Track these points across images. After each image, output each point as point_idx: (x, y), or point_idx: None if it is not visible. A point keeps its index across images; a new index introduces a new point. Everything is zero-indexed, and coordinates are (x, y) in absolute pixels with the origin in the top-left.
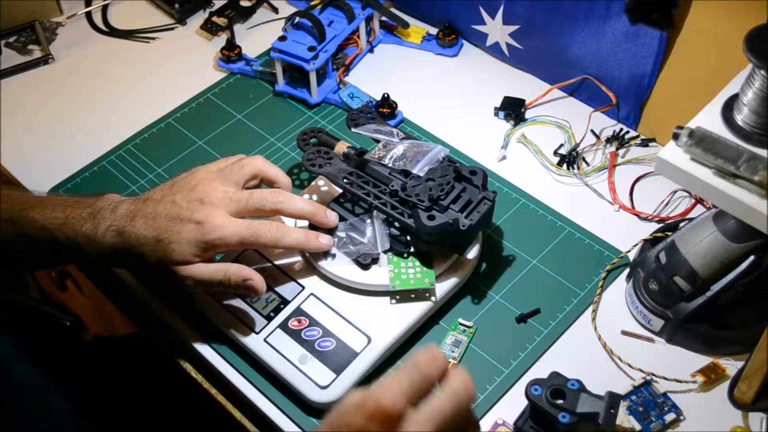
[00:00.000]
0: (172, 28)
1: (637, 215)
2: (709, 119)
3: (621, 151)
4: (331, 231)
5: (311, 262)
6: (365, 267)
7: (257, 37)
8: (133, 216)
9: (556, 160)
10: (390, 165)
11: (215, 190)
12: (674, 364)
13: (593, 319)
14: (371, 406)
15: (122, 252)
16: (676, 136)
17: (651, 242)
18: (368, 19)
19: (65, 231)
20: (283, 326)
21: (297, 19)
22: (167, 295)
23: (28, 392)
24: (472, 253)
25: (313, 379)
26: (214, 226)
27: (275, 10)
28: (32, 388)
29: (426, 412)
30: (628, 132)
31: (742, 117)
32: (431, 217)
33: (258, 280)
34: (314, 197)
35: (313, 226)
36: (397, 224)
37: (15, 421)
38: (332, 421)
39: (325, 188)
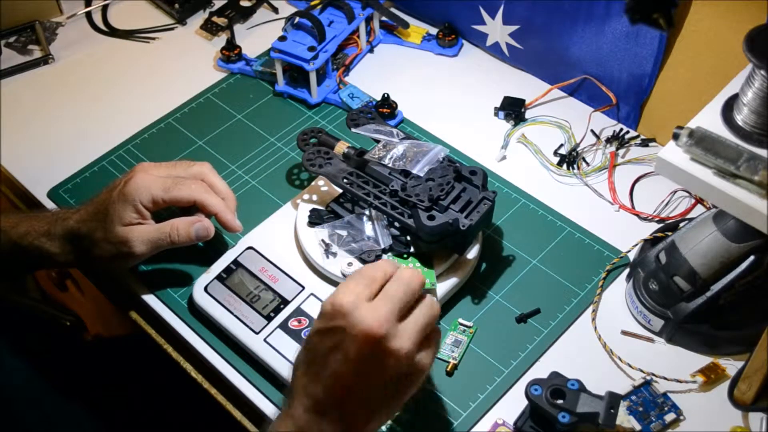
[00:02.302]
0: (172, 28)
1: (637, 215)
2: (709, 119)
3: (621, 151)
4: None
5: (311, 262)
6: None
7: (257, 37)
8: (78, 209)
9: (556, 160)
10: (390, 165)
11: (149, 165)
12: (674, 364)
13: (593, 319)
14: (361, 334)
15: (76, 238)
16: (676, 136)
17: (651, 242)
18: (368, 19)
19: (28, 238)
20: (283, 326)
21: (297, 19)
22: (167, 296)
23: (26, 393)
24: (472, 253)
25: None
26: (138, 178)
27: (275, 10)
28: (31, 389)
29: (411, 325)
30: (628, 132)
31: (742, 117)
32: (431, 217)
33: (205, 221)
34: (314, 197)
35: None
36: (397, 224)
37: (13, 422)
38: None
39: (325, 188)
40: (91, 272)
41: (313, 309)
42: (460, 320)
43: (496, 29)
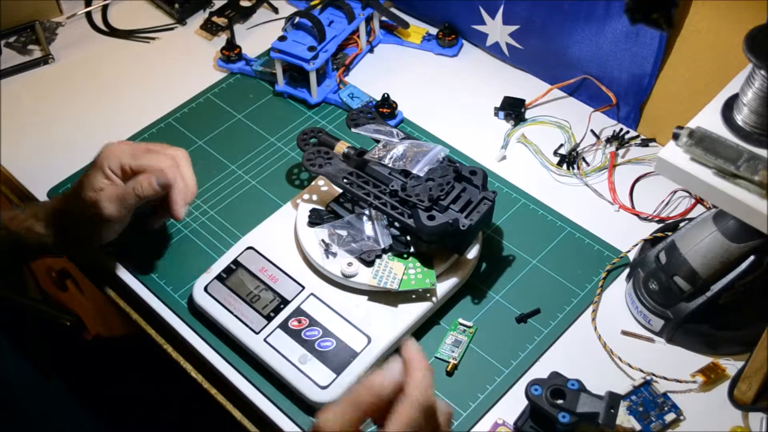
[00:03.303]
0: (172, 28)
1: (637, 215)
2: (709, 119)
3: (621, 151)
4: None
5: (311, 262)
6: (369, 264)
7: (257, 37)
8: (63, 193)
9: (556, 160)
10: (390, 165)
11: (126, 141)
12: (674, 364)
13: (593, 319)
14: None
15: (58, 215)
16: (676, 136)
17: (651, 242)
18: (368, 19)
19: (17, 221)
20: (283, 326)
21: (297, 19)
22: (167, 296)
23: (26, 392)
24: (472, 253)
25: (313, 379)
26: (108, 148)
27: (275, 10)
28: (31, 389)
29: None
30: (628, 132)
31: (742, 117)
32: (431, 217)
33: (164, 173)
34: (314, 197)
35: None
36: (397, 224)
37: (14, 422)
38: None
39: (325, 188)
40: (88, 266)
41: (313, 309)
42: (460, 320)
43: (496, 29)
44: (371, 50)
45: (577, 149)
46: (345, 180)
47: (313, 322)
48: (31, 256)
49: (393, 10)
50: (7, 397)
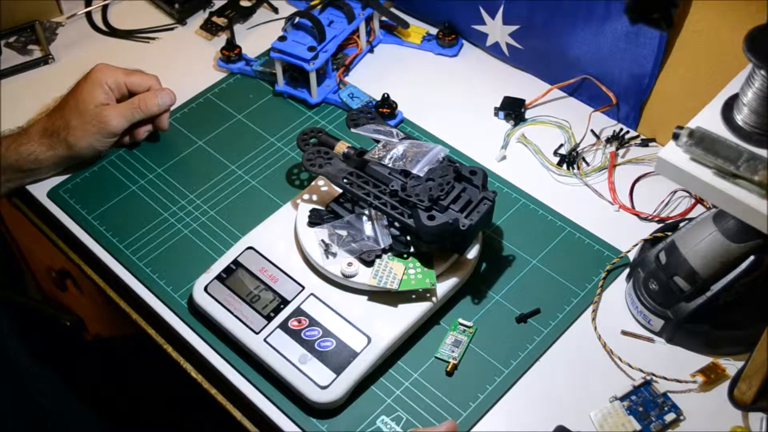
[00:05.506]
0: (172, 28)
1: (637, 215)
2: (709, 119)
3: (621, 151)
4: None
5: (311, 262)
6: (369, 264)
7: (257, 37)
8: (38, 118)
9: (556, 160)
10: (390, 165)
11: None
12: (674, 364)
13: (593, 319)
14: None
15: (51, 130)
16: (676, 136)
17: (651, 242)
18: (368, 19)
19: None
20: (283, 326)
21: (297, 19)
22: (167, 296)
23: (27, 392)
24: (472, 253)
25: (313, 379)
26: (100, 66)
27: (275, 10)
28: (31, 388)
29: None
30: (628, 132)
31: (742, 117)
32: (431, 217)
33: (166, 89)
34: (314, 197)
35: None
36: (397, 224)
37: (14, 422)
38: None
39: (325, 188)
40: (92, 262)
41: (313, 309)
42: (460, 320)
43: (496, 29)
44: (371, 50)
45: (577, 149)
46: (345, 180)
47: (313, 322)
48: (25, 178)
49: (393, 10)
50: (9, 397)
